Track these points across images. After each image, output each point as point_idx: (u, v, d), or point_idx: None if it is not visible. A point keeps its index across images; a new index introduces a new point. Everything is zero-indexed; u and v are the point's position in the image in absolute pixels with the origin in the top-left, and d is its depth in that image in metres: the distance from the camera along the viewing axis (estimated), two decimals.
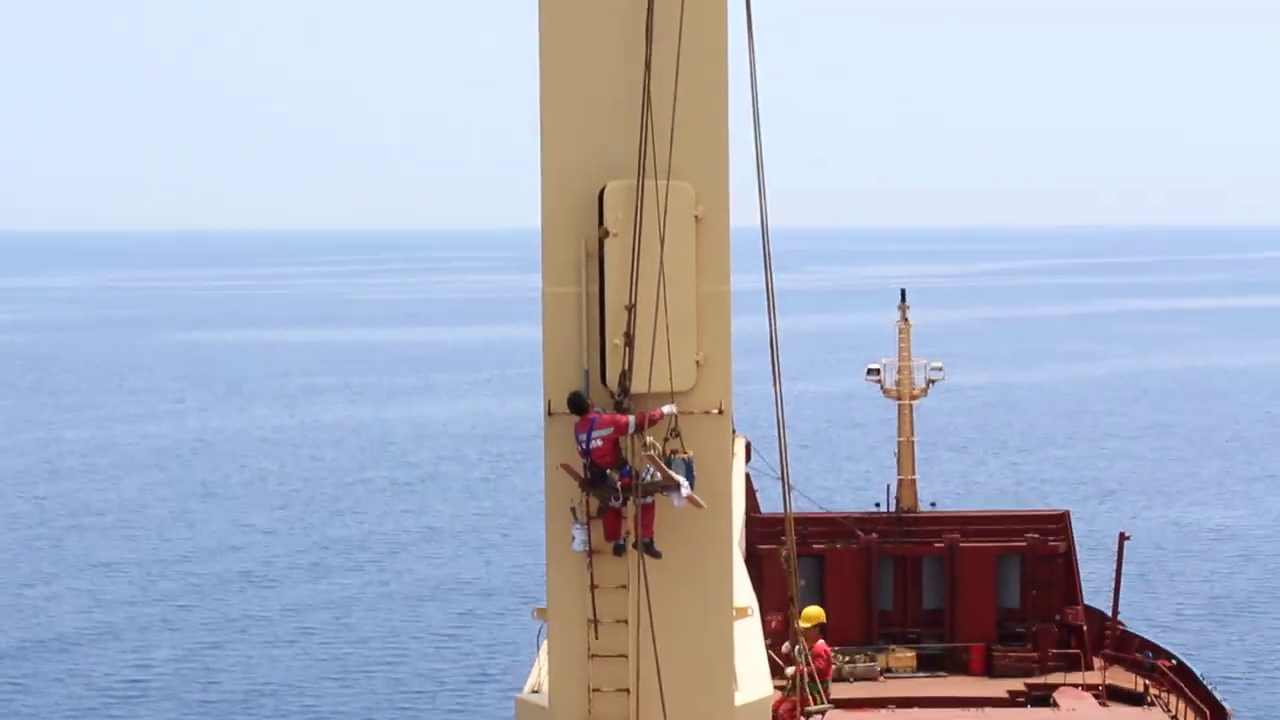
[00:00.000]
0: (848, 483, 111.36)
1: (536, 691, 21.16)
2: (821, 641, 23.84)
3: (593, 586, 19.83)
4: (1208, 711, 49.88)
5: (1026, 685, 53.10)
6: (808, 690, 22.88)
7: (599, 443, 19.39)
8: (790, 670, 23.22)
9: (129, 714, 72.82)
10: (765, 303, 21.33)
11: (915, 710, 50.31)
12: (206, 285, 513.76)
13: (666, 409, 19.52)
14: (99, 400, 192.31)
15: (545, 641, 20.98)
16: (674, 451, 19.65)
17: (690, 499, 19.43)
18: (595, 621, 19.86)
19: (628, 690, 19.92)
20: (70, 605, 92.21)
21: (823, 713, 23.38)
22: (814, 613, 23.86)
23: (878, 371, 61.13)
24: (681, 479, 19.44)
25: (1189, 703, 50.65)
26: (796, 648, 23.02)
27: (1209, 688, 52.26)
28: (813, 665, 23.21)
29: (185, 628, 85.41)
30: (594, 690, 19.93)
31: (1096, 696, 51.97)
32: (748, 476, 50.27)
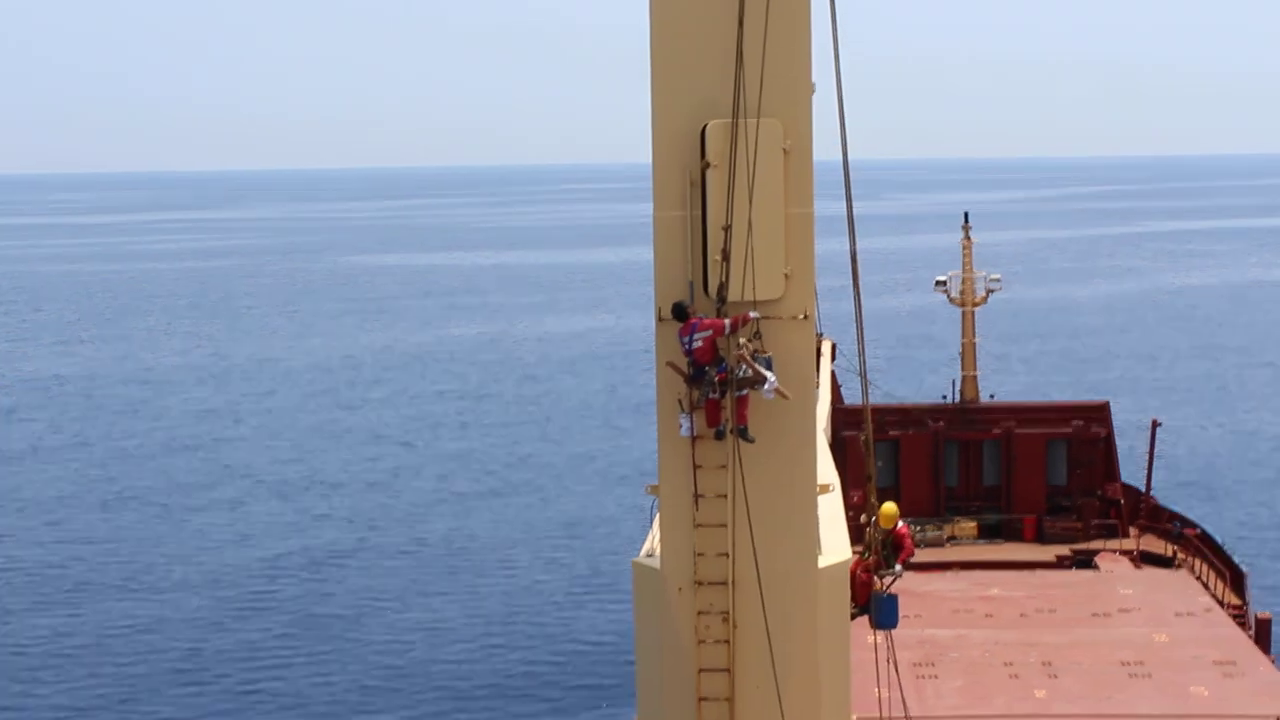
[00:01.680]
0: (919, 379, 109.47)
1: (651, 556, 21.15)
2: (902, 524, 23.61)
3: (696, 466, 19.81)
4: (1227, 573, 49.17)
5: (1072, 551, 52.28)
6: (879, 550, 22.71)
7: (700, 343, 19.27)
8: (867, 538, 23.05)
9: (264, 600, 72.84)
10: (846, 225, 21.05)
11: (976, 572, 49.56)
12: (365, 216, 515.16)
13: (753, 314, 19.37)
14: (272, 318, 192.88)
15: (657, 514, 20.95)
16: (757, 351, 19.47)
17: (778, 391, 19.29)
18: (699, 496, 19.87)
19: (727, 554, 19.94)
20: (219, 499, 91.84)
21: (896, 575, 23.21)
22: (890, 510, 23.61)
23: (944, 283, 60.09)
24: (769, 374, 19.27)
25: (1211, 565, 49.89)
26: (868, 518, 22.90)
27: (1229, 553, 51.49)
28: (891, 533, 23.03)
29: (328, 524, 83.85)
30: (699, 554, 19.99)
31: (1131, 560, 50.94)
32: (833, 373, 49.47)
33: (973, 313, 59.92)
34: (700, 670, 20.10)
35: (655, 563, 20.69)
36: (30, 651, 62.03)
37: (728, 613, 20.01)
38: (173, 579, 72.57)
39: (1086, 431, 56.21)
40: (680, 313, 19.49)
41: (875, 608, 22.30)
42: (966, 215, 62.09)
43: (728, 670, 20.08)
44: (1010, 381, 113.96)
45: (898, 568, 22.96)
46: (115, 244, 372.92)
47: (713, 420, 19.62)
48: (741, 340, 19.31)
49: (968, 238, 60.38)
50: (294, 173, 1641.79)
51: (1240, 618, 44.78)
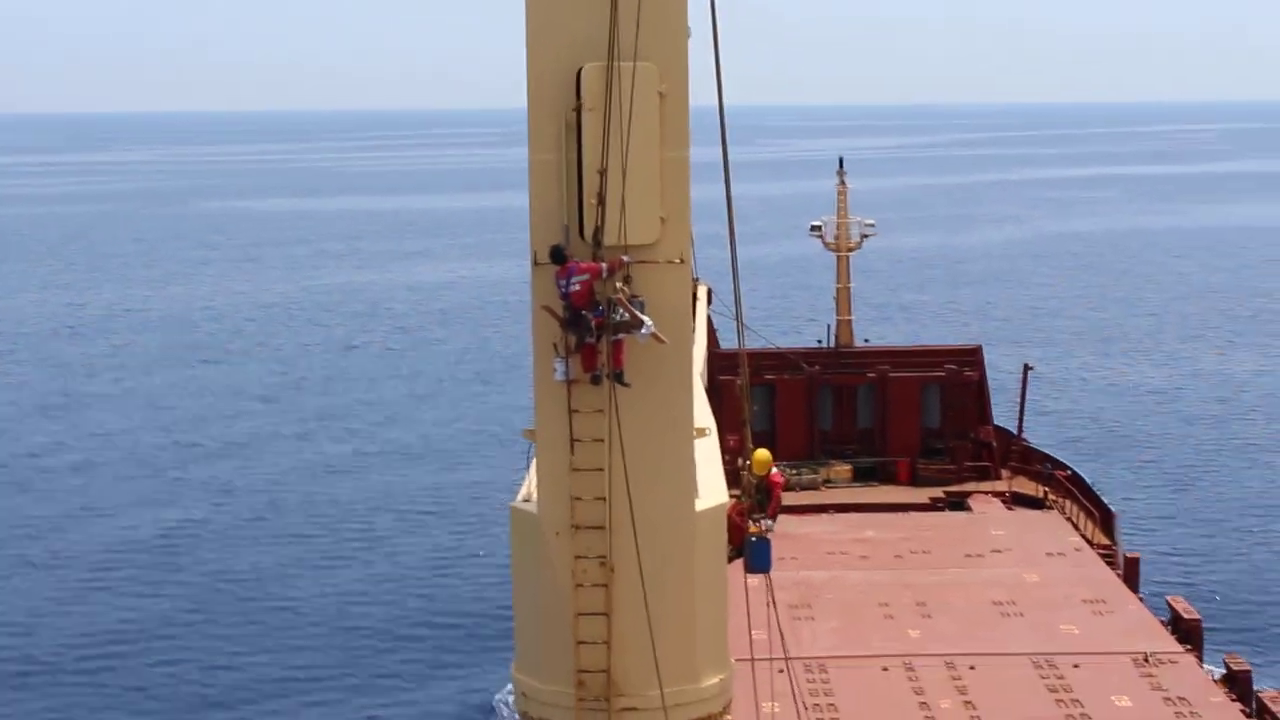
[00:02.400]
0: (795, 324, 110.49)
1: (528, 500, 21.23)
2: (775, 470, 23.87)
3: (572, 411, 19.92)
4: (1097, 514, 50.27)
5: (945, 493, 53.35)
6: (753, 495, 22.98)
7: (577, 287, 19.34)
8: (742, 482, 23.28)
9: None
10: (722, 170, 21.17)
11: (851, 514, 50.35)
12: (236, 160, 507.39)
13: (625, 258, 19.48)
14: (133, 266, 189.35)
15: (534, 459, 21.03)
16: (634, 296, 19.59)
17: (654, 335, 19.45)
18: (575, 440, 19.96)
19: (604, 499, 20.07)
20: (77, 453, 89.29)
21: (767, 528, 23.40)
22: (763, 456, 23.82)
23: (819, 228, 60.81)
24: (645, 318, 19.44)
25: (1081, 506, 50.97)
26: (743, 462, 23.15)
27: (1099, 494, 52.67)
28: (758, 478, 23.28)
29: (186, 488, 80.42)
30: (575, 499, 20.11)
31: (1003, 501, 52.13)
32: (709, 318, 50.19)
33: (847, 258, 60.69)
34: (578, 615, 20.27)
35: (532, 508, 20.81)
36: None
37: (605, 557, 20.19)
38: (15, 549, 69.28)
39: (960, 375, 57.20)
40: (558, 256, 19.54)
41: (748, 552, 22.50)
42: (841, 161, 62.83)
43: (605, 614, 20.28)
44: (887, 327, 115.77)
45: (768, 521, 23.18)
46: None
47: (589, 365, 19.71)
48: (618, 284, 19.42)
49: (843, 183, 61.00)
50: (164, 115, 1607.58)
51: (1110, 558, 46.00)
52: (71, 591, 62.90)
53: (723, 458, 23.85)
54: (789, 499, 47.06)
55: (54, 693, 52.59)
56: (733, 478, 23.06)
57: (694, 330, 22.56)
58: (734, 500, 22.48)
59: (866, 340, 62.06)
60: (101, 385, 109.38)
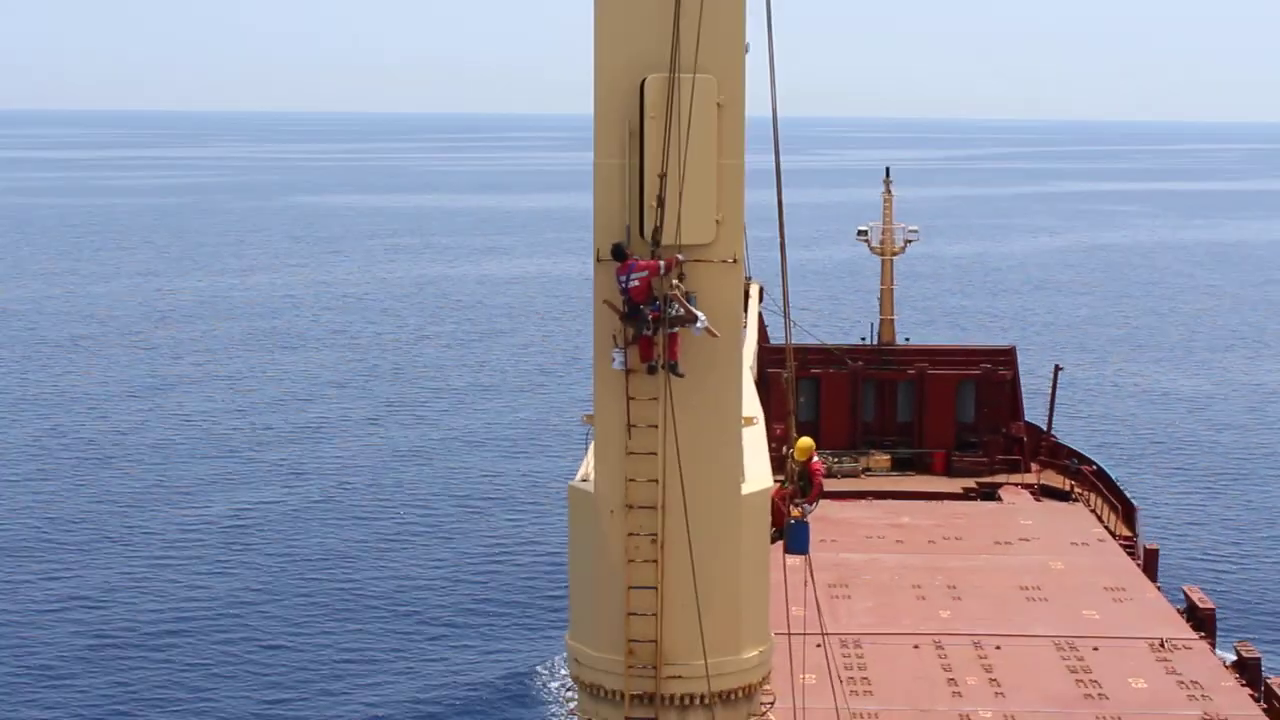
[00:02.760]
0: (840, 322, 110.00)
1: (585, 481, 21.32)
2: (816, 459, 24.00)
3: (629, 398, 20.04)
4: (1120, 507, 50.40)
5: (977, 484, 53.53)
6: (796, 480, 23.11)
7: (636, 283, 19.43)
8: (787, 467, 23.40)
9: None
10: (774, 177, 21.16)
11: (888, 501, 50.58)
12: (324, 159, 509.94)
13: (681, 256, 19.51)
14: (222, 256, 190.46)
15: (592, 442, 21.13)
16: (688, 292, 19.62)
17: (707, 329, 19.52)
18: (631, 425, 20.09)
19: (657, 480, 20.18)
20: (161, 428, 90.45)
21: (807, 512, 23.54)
22: (806, 444, 23.90)
23: (865, 232, 60.92)
24: (699, 313, 19.51)
25: (1105, 499, 51.08)
26: (788, 450, 23.28)
27: (1122, 489, 52.82)
28: (800, 465, 23.43)
29: (259, 469, 79.96)
30: (630, 480, 20.25)
31: (1032, 493, 52.09)
32: (760, 314, 50.11)
33: (891, 261, 60.82)
34: (629, 588, 20.44)
35: (589, 487, 20.93)
36: None
37: (656, 534, 20.33)
38: (97, 525, 69.22)
39: (994, 374, 57.36)
40: (619, 253, 19.67)
41: (788, 535, 22.70)
42: (888, 170, 62.99)
43: (655, 588, 20.42)
44: (927, 328, 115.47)
45: (808, 506, 23.31)
46: (76, 179, 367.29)
47: (645, 355, 19.81)
48: (674, 281, 19.53)
49: (889, 191, 61.20)
50: (259, 114, 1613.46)
51: (1130, 548, 46.01)
52: (147, 566, 63.31)
53: (769, 446, 23.94)
54: (830, 485, 47.36)
55: (126, 665, 52.48)
56: (778, 464, 23.23)
57: (744, 326, 22.69)
58: (778, 485, 22.66)
59: (907, 339, 62.07)
60: (185, 368, 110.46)
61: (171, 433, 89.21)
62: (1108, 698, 32.70)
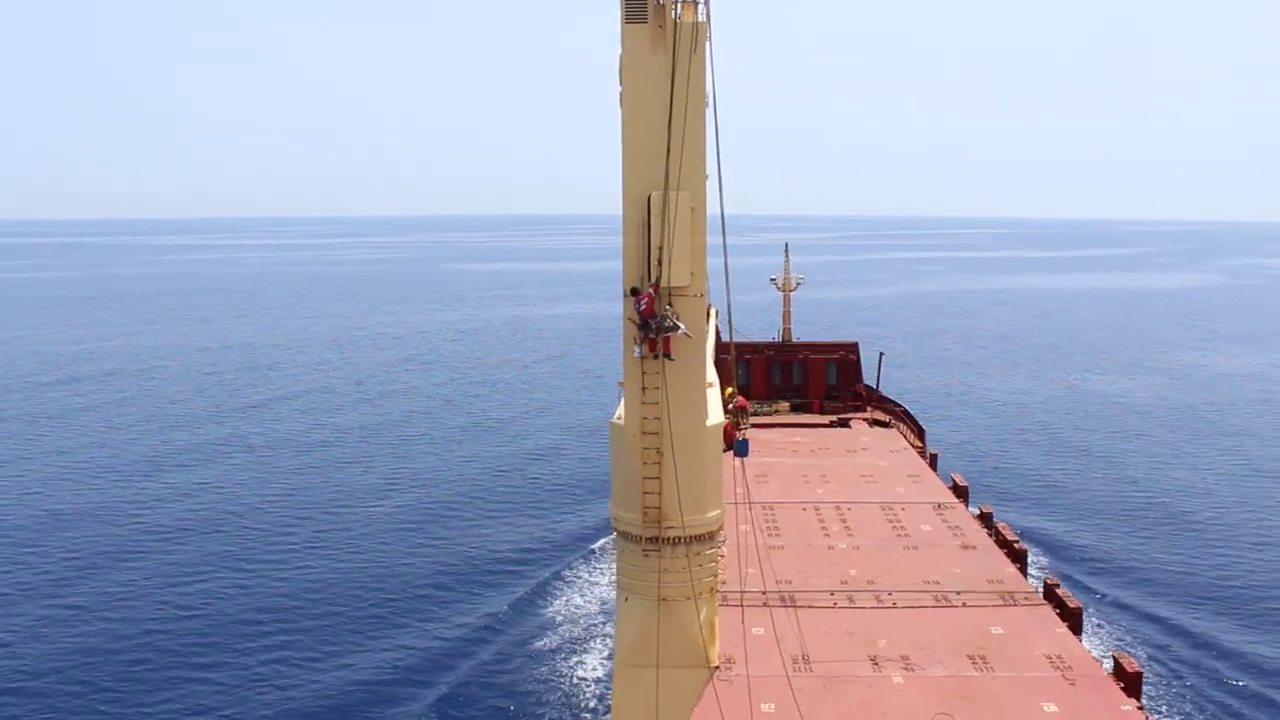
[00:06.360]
0: (761, 329, 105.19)
1: (618, 419, 22.25)
2: (740, 398, 25.28)
3: (644, 372, 21.25)
4: (917, 430, 51.04)
5: (837, 419, 53.32)
6: (737, 417, 24.05)
7: (644, 306, 20.63)
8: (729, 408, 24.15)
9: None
10: (722, 247, 22.15)
11: (788, 429, 50.26)
12: (461, 242, 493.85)
13: (664, 290, 20.22)
14: (388, 302, 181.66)
15: (622, 396, 22.08)
16: (675, 313, 20.67)
17: (686, 334, 20.79)
18: (644, 388, 21.21)
19: (659, 418, 21.24)
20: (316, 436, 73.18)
21: (745, 428, 23.89)
22: (732, 391, 25.07)
23: (775, 279, 63.21)
24: (681, 324, 20.64)
25: (910, 426, 51.64)
26: (730, 394, 24.36)
27: (918, 420, 53.48)
28: (737, 405, 24.24)
29: (379, 475, 62.28)
30: (644, 418, 21.35)
31: (868, 423, 52.20)
32: (715, 325, 50.71)
33: (789, 295, 62.91)
34: (644, 478, 21.65)
35: (621, 422, 22.02)
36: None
37: (660, 449, 21.47)
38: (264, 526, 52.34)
39: (846, 357, 57.96)
40: (636, 291, 20.96)
41: (735, 446, 23.84)
42: (787, 246, 65.35)
43: (658, 478, 21.59)
44: (808, 332, 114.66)
45: (746, 424, 24.55)
46: (312, 256, 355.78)
47: (653, 348, 20.97)
48: (667, 306, 20.80)
49: (787, 255, 63.71)
50: (441, 217, 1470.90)
51: (922, 454, 46.42)
52: (285, 553, 48.86)
53: (722, 399, 24.78)
54: (755, 420, 49.39)
55: (196, 623, 39.93)
56: (726, 409, 24.55)
57: (707, 331, 24.11)
58: (728, 420, 23.94)
59: (798, 338, 63.05)
60: (346, 385, 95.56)
61: (330, 434, 72.69)
62: (909, 535, 33.44)
